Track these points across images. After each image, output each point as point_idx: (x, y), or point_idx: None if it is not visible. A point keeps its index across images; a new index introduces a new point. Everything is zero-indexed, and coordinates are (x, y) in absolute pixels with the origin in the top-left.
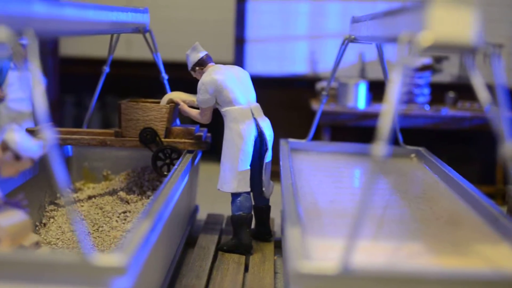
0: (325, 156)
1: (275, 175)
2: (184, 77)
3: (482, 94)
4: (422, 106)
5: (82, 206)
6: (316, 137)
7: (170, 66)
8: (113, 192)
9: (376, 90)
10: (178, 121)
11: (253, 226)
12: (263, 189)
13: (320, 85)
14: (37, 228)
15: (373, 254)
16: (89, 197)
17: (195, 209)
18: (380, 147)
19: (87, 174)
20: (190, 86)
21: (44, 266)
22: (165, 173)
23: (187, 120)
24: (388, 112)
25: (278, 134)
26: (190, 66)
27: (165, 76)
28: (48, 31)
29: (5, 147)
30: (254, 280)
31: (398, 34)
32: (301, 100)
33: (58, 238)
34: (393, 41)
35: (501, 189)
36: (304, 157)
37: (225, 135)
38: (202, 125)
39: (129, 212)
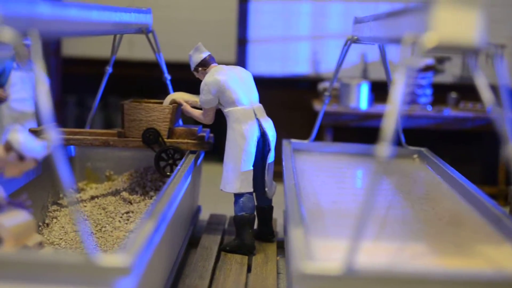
0: (328, 157)
1: (278, 176)
2: (187, 77)
3: (486, 94)
4: (425, 107)
5: (85, 206)
6: (319, 137)
7: (173, 67)
8: (116, 193)
9: (378, 90)
10: (180, 122)
11: (256, 226)
12: (266, 189)
13: (322, 85)
14: (40, 228)
15: (376, 254)
16: (92, 198)
17: (198, 210)
18: (384, 148)
19: (90, 174)
20: (192, 86)
21: (47, 266)
22: (168, 173)
23: (189, 120)
24: (392, 113)
25: (281, 135)
26: (192, 66)
27: (167, 77)
28: (52, 31)
29: (9, 147)
30: (257, 281)
31: (402, 35)
32: (304, 101)
33: (61, 238)
34: (396, 42)
35: (503, 189)
36: (307, 158)
37: (227, 136)
38: (204, 126)
39: (132, 212)
